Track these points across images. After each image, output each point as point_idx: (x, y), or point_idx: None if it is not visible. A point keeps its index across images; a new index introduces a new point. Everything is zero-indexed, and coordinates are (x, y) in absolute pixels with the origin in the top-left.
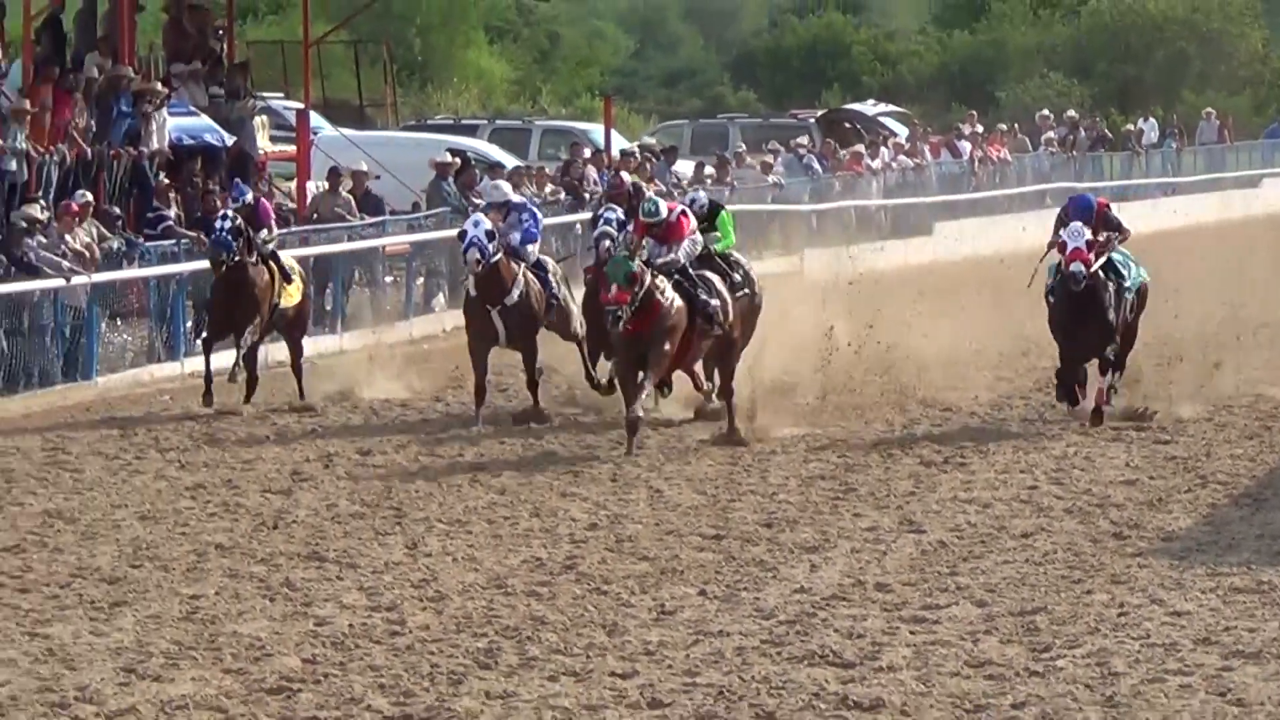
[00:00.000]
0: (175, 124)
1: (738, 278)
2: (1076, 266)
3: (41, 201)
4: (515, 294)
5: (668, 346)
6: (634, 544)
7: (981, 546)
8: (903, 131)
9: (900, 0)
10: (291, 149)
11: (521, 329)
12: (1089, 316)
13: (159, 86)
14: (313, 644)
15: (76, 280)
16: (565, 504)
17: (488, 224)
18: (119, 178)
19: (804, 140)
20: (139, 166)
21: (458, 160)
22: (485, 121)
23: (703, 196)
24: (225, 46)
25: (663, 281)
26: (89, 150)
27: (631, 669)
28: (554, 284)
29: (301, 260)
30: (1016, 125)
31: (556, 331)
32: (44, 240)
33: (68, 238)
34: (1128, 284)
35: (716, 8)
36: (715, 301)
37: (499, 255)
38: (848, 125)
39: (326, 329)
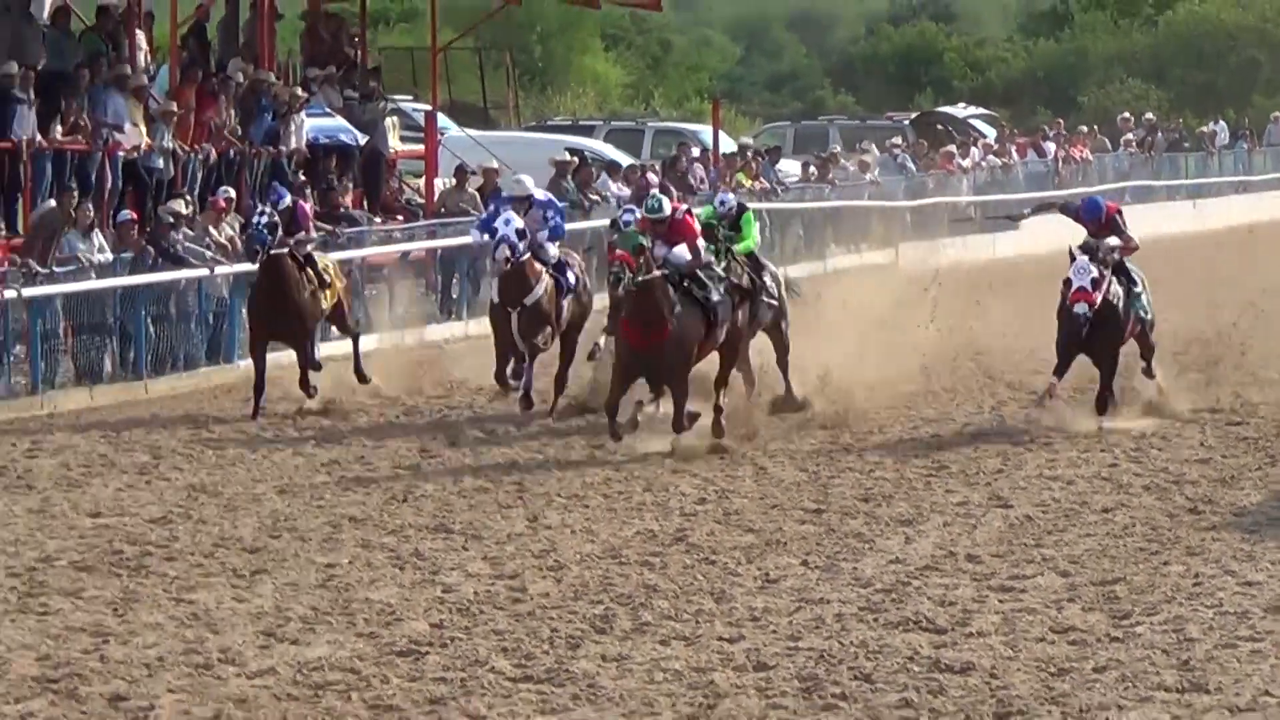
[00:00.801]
0: (312, 124)
1: (767, 280)
2: (1080, 308)
3: (187, 197)
4: (535, 294)
5: (683, 363)
6: (740, 517)
7: (1065, 520)
8: (991, 133)
9: (989, 10)
10: (420, 148)
11: (532, 329)
12: (1092, 343)
13: (298, 91)
14: (440, 610)
15: (220, 270)
16: (676, 480)
17: (519, 222)
18: (259, 175)
19: (899, 141)
20: (278, 164)
21: (575, 159)
22: (601, 123)
23: (731, 199)
24: (359, 52)
25: (673, 293)
26: (231, 149)
27: (738, 634)
28: (575, 280)
29: (430, 252)
30: (1097, 127)
31: (575, 327)
32: (189, 233)
33: (212, 230)
34: (1138, 291)
35: (817, 17)
36: (721, 295)
37: (527, 255)
38: (940, 127)
39: (453, 316)
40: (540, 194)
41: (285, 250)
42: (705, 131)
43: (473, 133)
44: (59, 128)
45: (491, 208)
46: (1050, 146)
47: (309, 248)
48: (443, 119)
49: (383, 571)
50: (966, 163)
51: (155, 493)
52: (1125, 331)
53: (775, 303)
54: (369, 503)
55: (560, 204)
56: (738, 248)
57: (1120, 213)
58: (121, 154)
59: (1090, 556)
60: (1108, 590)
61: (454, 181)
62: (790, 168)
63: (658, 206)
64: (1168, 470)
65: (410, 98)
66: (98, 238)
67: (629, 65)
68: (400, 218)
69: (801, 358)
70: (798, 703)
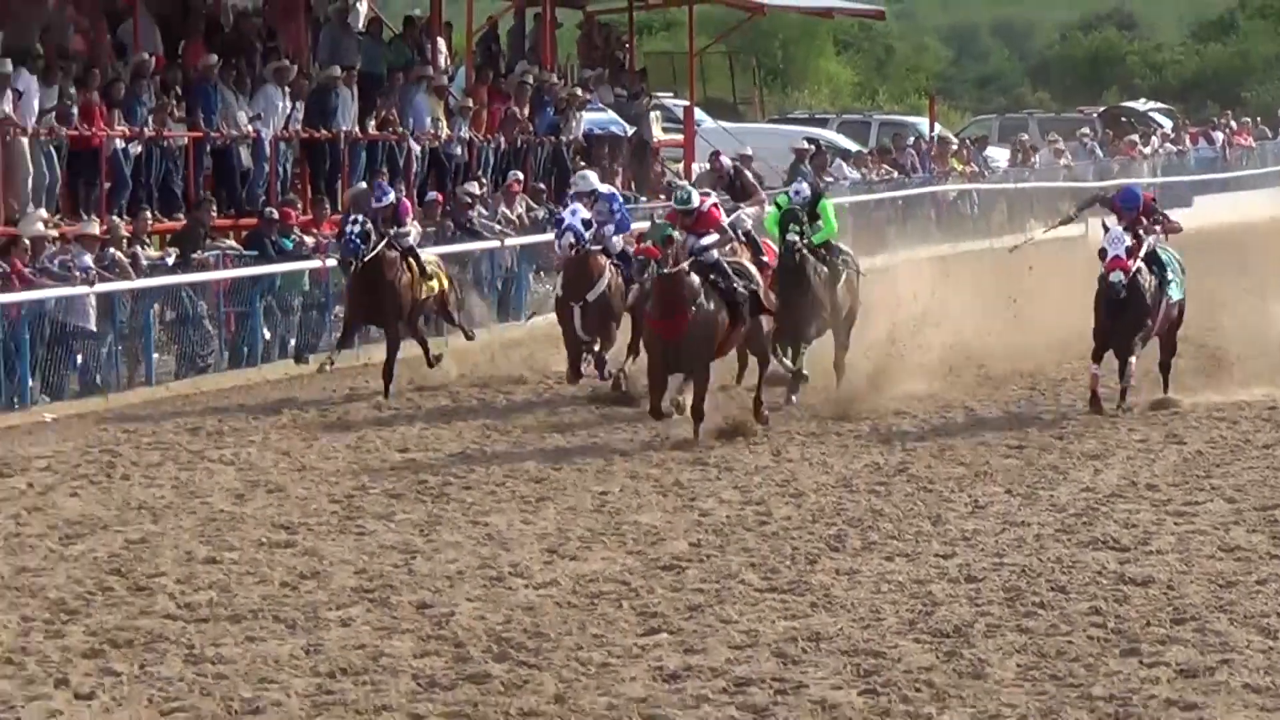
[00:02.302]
0: (588, 118)
1: (841, 263)
2: (1116, 275)
3: (481, 179)
4: (598, 289)
5: (704, 352)
6: (954, 452)
7: (1231, 455)
8: (1168, 124)
9: (1165, 18)
10: (679, 138)
11: (597, 322)
12: (1126, 313)
13: (576, 90)
14: (697, 531)
15: (509, 242)
16: (898, 420)
17: (585, 213)
18: (543, 161)
19: (1088, 131)
20: (559, 152)
21: (812, 146)
22: (834, 115)
23: (805, 188)
24: (627, 56)
25: (698, 283)
26: (519, 139)
27: (951, 551)
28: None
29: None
30: (1259, 119)
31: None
32: (483, 211)
33: (505, 209)
34: (1170, 277)
35: (1018, 24)
36: (754, 286)
37: (593, 246)
38: (1124, 119)
39: None
40: (605, 188)
41: (382, 246)
42: (922, 123)
43: (724, 124)
44: (373, 121)
45: (572, 195)
46: (1218, 135)
47: (410, 240)
48: (699, 113)
49: (648, 498)
50: (1147, 150)
51: (454, 432)
52: (1158, 317)
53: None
54: (636, 440)
55: (623, 198)
56: (817, 237)
57: (1155, 200)
58: (425, 143)
59: (1253, 485)
60: (1268, 514)
61: (708, 166)
62: (996, 154)
63: (686, 198)
64: None
65: (671, 94)
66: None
67: (857, 66)
68: (663, 197)
69: (1034, 317)
70: (1002, 610)
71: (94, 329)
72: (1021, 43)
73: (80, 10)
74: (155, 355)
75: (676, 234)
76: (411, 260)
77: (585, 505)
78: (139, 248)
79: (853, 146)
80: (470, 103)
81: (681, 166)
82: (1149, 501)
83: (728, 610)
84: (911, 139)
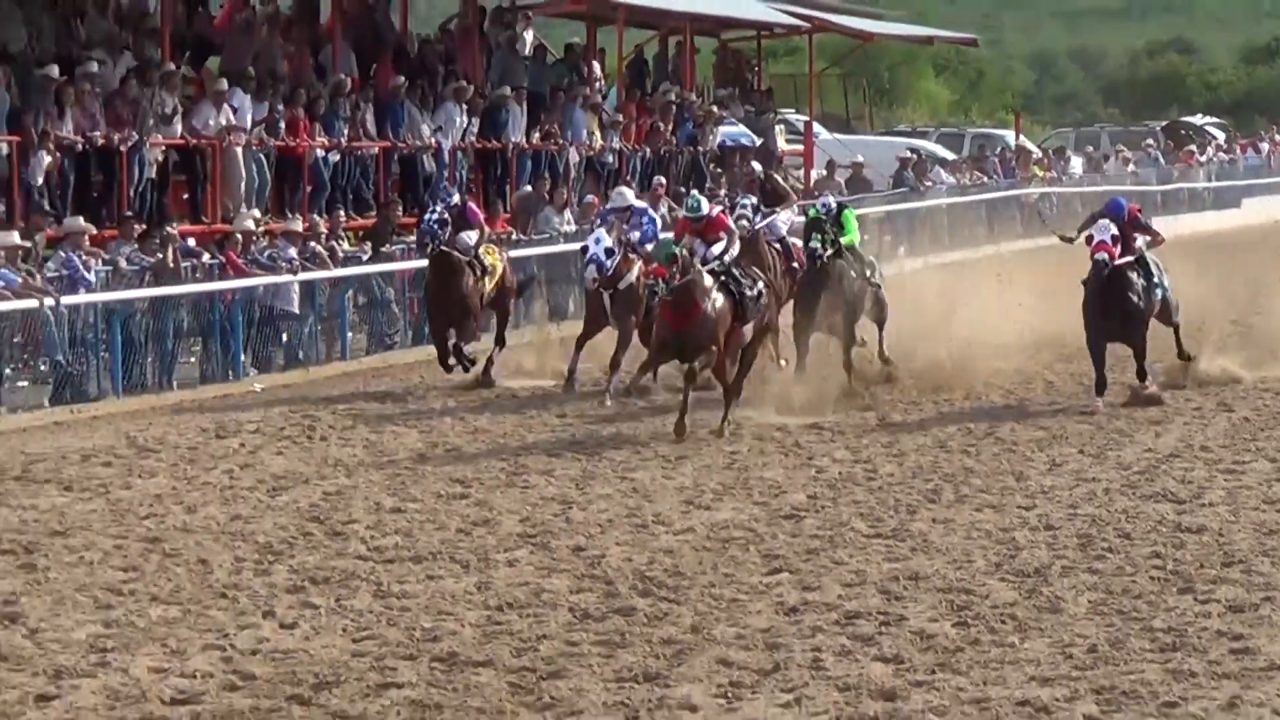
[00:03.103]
0: (722, 131)
1: (866, 269)
2: (1101, 255)
3: (630, 184)
4: (628, 279)
5: (714, 344)
6: (1034, 419)
7: (1274, 420)
8: (1221, 136)
9: (1219, 45)
10: (800, 147)
11: (624, 310)
12: (1114, 302)
13: (713, 107)
14: (814, 485)
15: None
16: (986, 390)
17: (608, 241)
18: (683, 168)
19: (1151, 142)
20: (696, 160)
21: (914, 155)
22: (933, 129)
23: (832, 201)
24: (755, 78)
25: (709, 281)
26: (663, 149)
27: (1032, 503)
28: None
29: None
30: None
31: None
32: None
33: (649, 210)
34: (1156, 281)
35: (1092, 51)
36: (758, 289)
37: (614, 266)
38: (1183, 132)
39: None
40: (639, 204)
41: (455, 248)
42: (1009, 135)
43: (838, 136)
44: (537, 133)
45: (597, 220)
46: (1264, 146)
47: (473, 242)
48: (816, 126)
49: (772, 457)
50: (1203, 158)
51: (600, 402)
52: (1149, 315)
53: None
54: (761, 410)
55: (653, 214)
56: (843, 240)
57: (1141, 211)
58: (582, 152)
59: None
60: None
61: (825, 172)
62: (1073, 163)
63: (696, 206)
64: None
65: (793, 110)
66: (568, 214)
67: (953, 86)
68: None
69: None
70: (1075, 554)
71: (297, 311)
72: (1094, 66)
73: (287, 39)
74: (349, 334)
75: (680, 251)
76: (474, 262)
77: (718, 463)
78: (336, 242)
79: (949, 155)
80: (621, 118)
81: (801, 172)
82: (1202, 461)
83: (839, 553)
84: (999, 149)
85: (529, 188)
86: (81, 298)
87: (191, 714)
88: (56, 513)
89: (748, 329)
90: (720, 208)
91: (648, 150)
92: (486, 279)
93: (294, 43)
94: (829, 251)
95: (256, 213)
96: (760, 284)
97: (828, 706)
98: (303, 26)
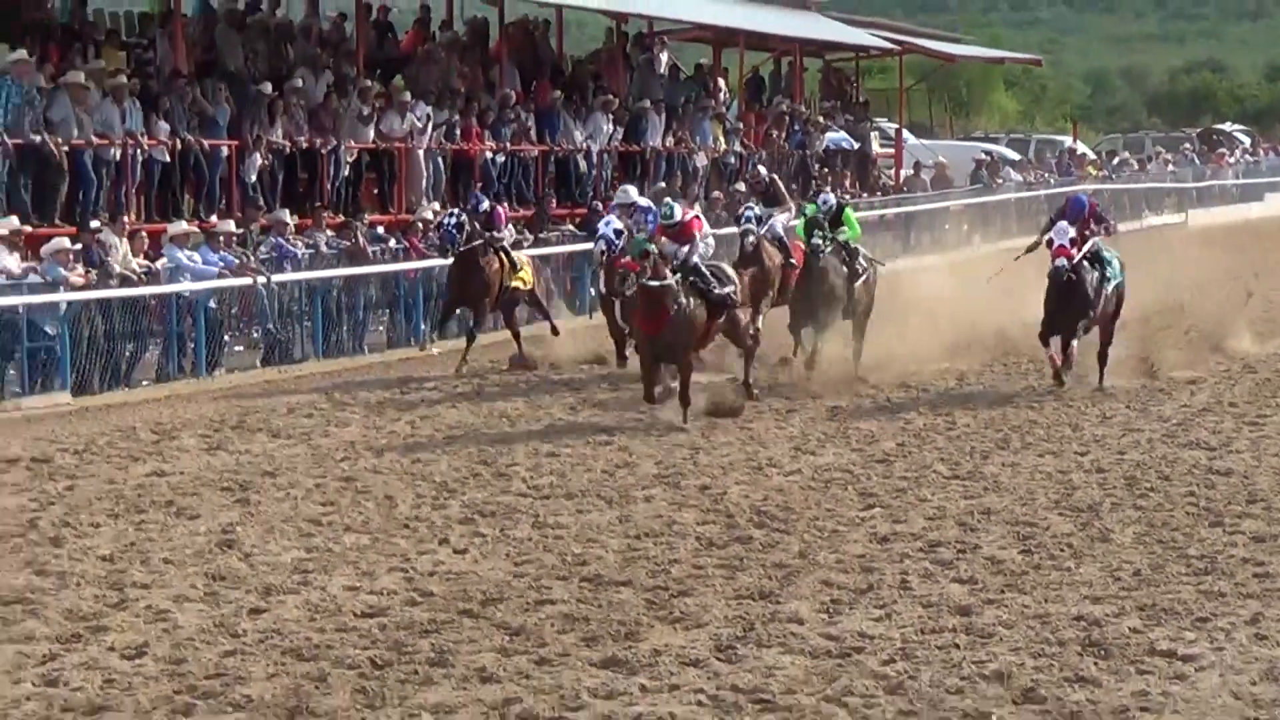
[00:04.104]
0: (827, 136)
1: (861, 264)
2: (1060, 261)
3: (747, 180)
4: (631, 285)
5: (684, 344)
6: (1088, 379)
7: None
8: (1247, 141)
9: (1245, 64)
10: (891, 151)
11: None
12: (1071, 300)
13: (819, 118)
14: (902, 434)
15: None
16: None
17: (618, 224)
18: (793, 168)
19: (1188, 145)
20: (804, 161)
21: (987, 157)
22: (1003, 135)
23: (831, 199)
24: (854, 92)
25: (677, 286)
26: (775, 150)
27: (1086, 450)
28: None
29: (896, 217)
30: None
31: None
32: (750, 204)
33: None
34: (1109, 274)
35: (1137, 69)
36: (729, 288)
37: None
38: (1214, 137)
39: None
40: (643, 201)
41: (477, 244)
42: (1067, 140)
43: (923, 141)
44: (671, 139)
45: (610, 212)
46: None
47: (505, 241)
48: (905, 133)
49: (868, 411)
50: (1231, 159)
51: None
52: (1101, 305)
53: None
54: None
55: (656, 210)
56: (842, 236)
57: (1098, 206)
58: (708, 155)
59: None
60: None
61: (912, 172)
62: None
63: (671, 213)
64: None
65: (885, 119)
66: (697, 207)
67: (1020, 99)
68: (879, 194)
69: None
70: (1123, 492)
71: None
72: (1140, 82)
73: (463, 60)
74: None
75: (652, 248)
76: (503, 255)
77: (821, 415)
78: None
79: (1016, 157)
80: (741, 125)
81: (893, 172)
82: (1230, 415)
83: (923, 492)
84: (1058, 152)
85: (663, 184)
86: (288, 276)
87: (379, 625)
88: (267, 456)
89: (721, 320)
90: (694, 213)
91: (763, 153)
92: (516, 274)
93: (468, 63)
94: (828, 248)
95: (436, 205)
96: (730, 286)
97: (913, 620)
98: (475, 50)
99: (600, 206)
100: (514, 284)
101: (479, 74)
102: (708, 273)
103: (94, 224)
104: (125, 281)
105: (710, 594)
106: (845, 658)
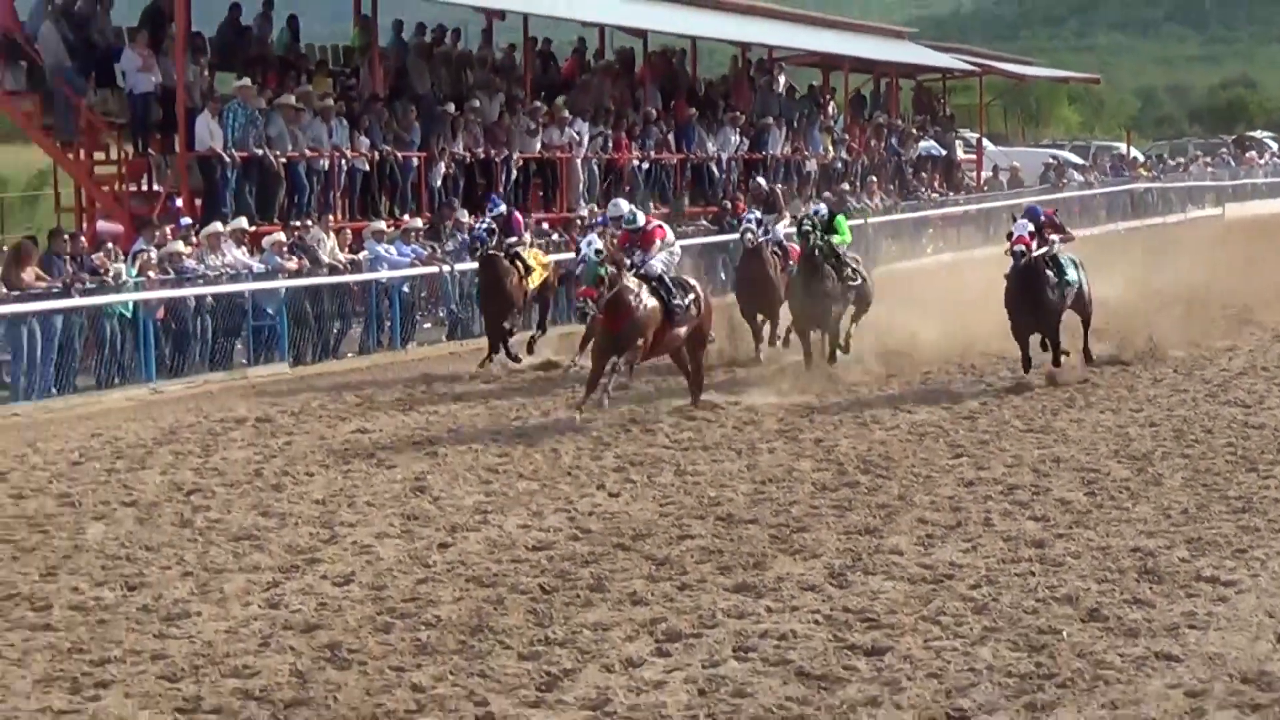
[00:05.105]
0: (920, 145)
1: (848, 271)
2: (1019, 247)
3: (848, 184)
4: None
5: (640, 341)
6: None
7: None
8: (1275, 146)
9: (1274, 82)
10: (973, 157)
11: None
12: (1029, 293)
13: (913, 130)
14: (984, 395)
15: (869, 221)
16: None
17: (599, 244)
18: (891, 172)
19: (1225, 150)
20: (900, 167)
21: (1054, 162)
22: (1067, 143)
23: (823, 208)
24: (942, 107)
25: (638, 285)
26: (875, 157)
27: (1140, 407)
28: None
29: (977, 212)
30: None
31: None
32: (853, 202)
33: (866, 199)
34: (1068, 278)
35: (1181, 85)
36: (688, 299)
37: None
38: (1247, 143)
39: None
40: (632, 213)
41: (501, 251)
42: (1122, 147)
43: (1000, 148)
44: (788, 148)
45: (597, 224)
46: None
47: (519, 248)
48: (985, 142)
49: (955, 377)
50: (1261, 161)
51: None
52: (1062, 307)
53: (855, 282)
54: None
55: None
56: (834, 239)
57: (1055, 213)
58: (819, 161)
59: None
60: None
61: (991, 174)
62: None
63: (633, 219)
64: None
65: (968, 130)
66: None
67: (1082, 112)
68: (963, 193)
69: (1200, 266)
70: (1173, 443)
71: None
72: (1183, 97)
73: (613, 84)
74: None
75: (603, 271)
76: (518, 262)
77: (916, 381)
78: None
79: (1079, 161)
80: (846, 136)
81: (974, 174)
82: (1264, 377)
83: (1003, 443)
84: (1114, 156)
85: (781, 185)
86: (468, 264)
87: (547, 557)
88: (451, 415)
89: (680, 331)
90: (657, 222)
91: (864, 159)
92: (530, 278)
93: (618, 86)
94: (818, 253)
95: (593, 206)
96: (691, 296)
97: (995, 551)
98: (624, 75)
99: (730, 205)
100: (533, 286)
101: (627, 95)
102: (669, 283)
103: (306, 223)
104: (333, 270)
105: (824, 530)
106: (938, 583)
